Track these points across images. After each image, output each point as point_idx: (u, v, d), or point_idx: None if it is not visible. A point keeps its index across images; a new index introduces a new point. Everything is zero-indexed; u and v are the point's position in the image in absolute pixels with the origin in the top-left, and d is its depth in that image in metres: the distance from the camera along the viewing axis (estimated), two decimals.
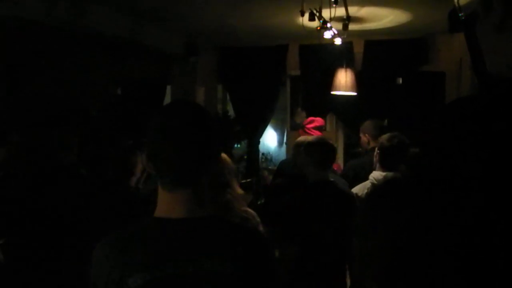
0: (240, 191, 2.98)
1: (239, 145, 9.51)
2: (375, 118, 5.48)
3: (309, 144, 3.83)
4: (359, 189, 4.05)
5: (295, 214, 3.58)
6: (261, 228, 2.97)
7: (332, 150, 3.81)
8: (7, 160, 4.34)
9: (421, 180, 1.00)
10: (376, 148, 4.18)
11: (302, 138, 4.85)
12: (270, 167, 9.03)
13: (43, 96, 5.87)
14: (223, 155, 3.01)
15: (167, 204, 1.59)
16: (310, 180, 3.71)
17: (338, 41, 5.99)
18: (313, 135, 5.24)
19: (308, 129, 5.50)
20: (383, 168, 4.04)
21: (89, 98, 6.90)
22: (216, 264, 1.52)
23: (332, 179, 3.81)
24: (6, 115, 5.31)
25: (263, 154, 9.18)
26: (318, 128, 5.57)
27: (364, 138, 5.36)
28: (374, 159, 4.18)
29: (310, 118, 5.78)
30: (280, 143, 10.25)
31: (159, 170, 1.58)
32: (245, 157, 8.40)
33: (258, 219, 2.99)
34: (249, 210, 3.00)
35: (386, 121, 6.36)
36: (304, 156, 3.77)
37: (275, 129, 10.03)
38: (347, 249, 3.43)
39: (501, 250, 0.91)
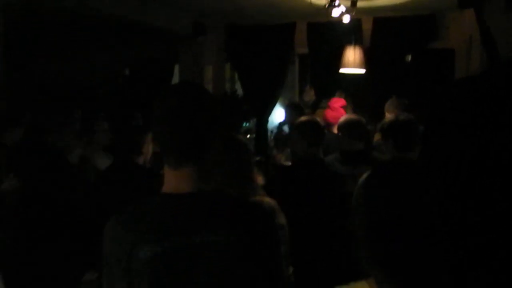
0: (260, 180, 2.92)
1: (248, 124, 9.51)
2: (388, 95, 5.51)
3: (300, 123, 3.90)
4: None
5: (276, 192, 3.55)
6: (279, 219, 2.80)
7: (322, 129, 3.92)
8: (21, 141, 4.37)
9: (430, 158, 1.00)
10: (378, 131, 4.05)
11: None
12: (279, 146, 9.03)
13: (52, 78, 5.89)
14: (243, 142, 2.96)
15: (173, 181, 1.66)
16: (299, 157, 3.77)
17: (346, 18, 5.95)
18: (341, 113, 5.39)
19: (335, 108, 5.62)
20: (398, 151, 3.74)
21: (98, 79, 6.91)
22: (222, 235, 1.59)
23: (321, 157, 3.87)
24: (18, 97, 5.34)
25: (271, 132, 9.17)
26: (343, 107, 5.73)
27: (388, 116, 5.36)
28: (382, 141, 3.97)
29: (335, 98, 5.95)
30: (288, 121, 10.23)
31: (163, 148, 1.65)
32: (253, 135, 8.41)
33: (275, 209, 2.82)
34: (267, 200, 2.93)
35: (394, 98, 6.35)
36: (296, 134, 3.83)
37: (284, 107, 10.00)
38: (332, 228, 3.42)
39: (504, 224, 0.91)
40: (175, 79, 7.89)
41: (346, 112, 5.99)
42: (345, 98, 7.23)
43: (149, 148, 4.01)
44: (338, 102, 5.78)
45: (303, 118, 4.07)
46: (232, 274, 1.61)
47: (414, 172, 1.43)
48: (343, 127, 4.34)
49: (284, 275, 2.10)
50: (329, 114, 5.60)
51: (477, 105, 0.97)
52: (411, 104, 4.89)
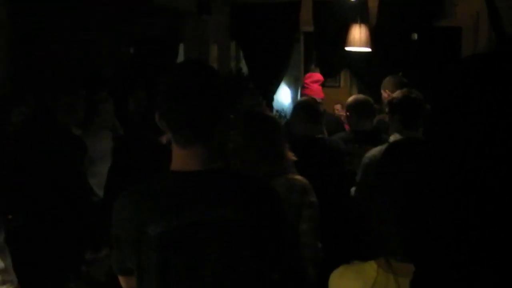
0: (292, 157, 2.85)
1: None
2: (393, 74, 5.43)
3: (299, 103, 3.94)
4: (378, 151, 3.92)
5: None
6: (310, 197, 2.79)
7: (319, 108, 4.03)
8: (24, 121, 4.38)
9: (437, 139, 1.00)
10: (386, 108, 3.94)
11: None
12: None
13: (57, 57, 5.87)
14: (274, 118, 2.95)
15: (182, 159, 1.66)
16: (298, 136, 3.77)
17: None
18: (313, 89, 5.20)
19: (307, 84, 5.36)
20: (404, 128, 3.65)
21: (102, 58, 6.89)
22: (230, 212, 1.62)
23: (321, 136, 3.88)
24: (21, 77, 5.33)
25: (277, 111, 9.16)
26: (316, 82, 5.44)
27: (385, 94, 5.30)
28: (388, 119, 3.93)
29: (309, 74, 5.68)
30: (294, 99, 10.21)
31: (172, 127, 1.65)
32: None
33: (307, 188, 2.80)
34: (299, 178, 2.82)
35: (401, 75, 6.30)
36: (295, 113, 3.85)
37: (289, 86, 9.97)
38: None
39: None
40: (180, 58, 7.85)
41: (351, 90, 5.93)
42: (350, 77, 7.18)
43: None
44: (310, 77, 5.47)
45: (301, 99, 4.09)
46: (240, 251, 1.63)
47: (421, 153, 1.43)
48: (351, 106, 4.33)
49: (289, 253, 2.12)
50: (303, 91, 5.31)
51: (484, 84, 0.96)
52: (414, 83, 4.81)
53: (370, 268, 1.44)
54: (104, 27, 6.79)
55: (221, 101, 1.68)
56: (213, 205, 1.62)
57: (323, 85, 7.39)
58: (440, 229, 0.94)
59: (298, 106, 4.02)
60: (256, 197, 1.68)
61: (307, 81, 5.38)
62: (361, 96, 4.47)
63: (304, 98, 4.19)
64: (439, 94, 1.02)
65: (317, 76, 5.49)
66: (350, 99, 4.45)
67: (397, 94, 3.76)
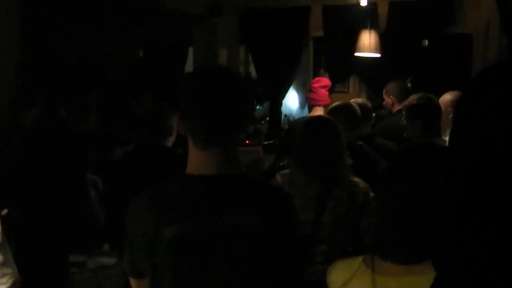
0: (348, 160, 2.95)
1: (261, 107, 9.50)
2: (402, 80, 5.40)
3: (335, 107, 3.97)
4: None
5: None
6: (371, 197, 2.87)
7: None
8: (33, 125, 4.40)
9: (457, 147, 0.99)
10: (404, 111, 3.82)
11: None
12: None
13: (68, 59, 5.89)
14: (334, 124, 3.02)
15: (199, 162, 1.66)
16: None
17: (363, 1, 5.89)
18: (320, 94, 5.14)
19: (315, 88, 5.31)
20: (425, 133, 3.58)
21: (111, 62, 6.90)
22: (245, 218, 1.62)
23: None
24: (34, 78, 5.36)
25: (285, 115, 9.16)
26: (324, 87, 5.39)
27: (388, 100, 5.28)
28: (405, 122, 3.81)
29: (317, 78, 5.64)
30: (302, 104, 10.19)
31: (193, 129, 1.65)
32: (267, 118, 8.39)
33: (368, 191, 2.90)
34: (360, 181, 2.92)
35: (409, 81, 6.28)
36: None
37: (298, 90, 9.97)
38: None
39: None
40: (189, 61, 7.87)
41: (359, 96, 5.89)
42: (359, 83, 7.15)
43: (175, 130, 4.04)
44: (319, 82, 5.44)
45: (337, 103, 4.06)
46: (254, 257, 1.64)
47: (440, 159, 1.43)
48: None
49: (303, 260, 2.13)
50: (308, 95, 5.29)
51: (500, 93, 0.95)
52: (424, 90, 4.79)
53: (356, 262, 1.50)
54: (114, 30, 6.81)
55: (243, 105, 1.69)
56: (228, 210, 1.62)
57: (331, 90, 7.36)
58: (462, 232, 0.94)
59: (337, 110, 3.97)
60: (271, 203, 1.69)
61: (315, 85, 5.32)
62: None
63: (341, 102, 4.13)
64: (462, 101, 1.02)
65: (326, 81, 5.45)
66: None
67: (416, 99, 3.67)
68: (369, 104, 4.57)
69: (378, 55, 6.68)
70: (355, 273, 1.46)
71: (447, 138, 3.88)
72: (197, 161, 1.67)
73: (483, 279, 0.89)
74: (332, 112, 3.94)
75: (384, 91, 5.36)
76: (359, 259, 1.51)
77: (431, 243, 1.35)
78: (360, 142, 3.81)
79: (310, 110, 5.22)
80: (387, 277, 1.42)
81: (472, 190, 0.92)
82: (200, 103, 1.63)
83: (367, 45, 6.63)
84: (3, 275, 2.62)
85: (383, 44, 6.65)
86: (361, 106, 4.23)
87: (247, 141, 6.80)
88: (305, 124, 3.13)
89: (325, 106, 4.83)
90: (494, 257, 0.89)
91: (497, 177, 0.90)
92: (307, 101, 5.33)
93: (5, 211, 2.93)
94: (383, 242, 1.46)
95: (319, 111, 4.91)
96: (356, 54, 6.72)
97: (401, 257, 1.41)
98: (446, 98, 4.09)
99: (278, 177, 3.02)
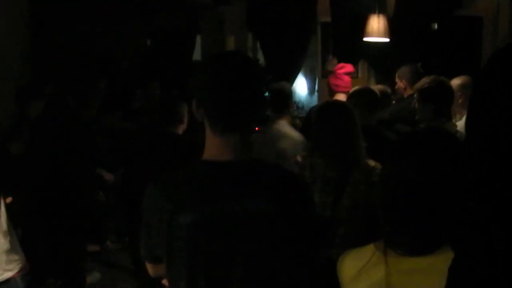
0: (363, 144, 3.01)
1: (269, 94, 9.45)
2: (408, 64, 5.35)
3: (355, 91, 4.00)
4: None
5: None
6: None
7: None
8: (42, 113, 4.41)
9: (472, 131, 0.98)
10: (416, 94, 3.73)
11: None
12: (301, 115, 9.00)
13: (76, 48, 5.90)
14: (350, 108, 3.06)
15: (216, 148, 1.67)
16: None
17: None
18: (344, 80, 5.17)
19: (340, 74, 5.34)
20: (435, 117, 3.54)
21: (120, 50, 6.91)
22: (261, 204, 1.62)
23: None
24: (43, 68, 5.37)
25: (294, 102, 9.13)
26: (348, 74, 5.41)
27: (401, 84, 5.24)
28: (416, 105, 3.73)
29: (341, 64, 5.64)
30: (311, 91, 10.16)
31: (210, 114, 1.66)
32: None
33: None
34: (374, 163, 2.98)
35: (419, 65, 6.24)
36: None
37: (306, 76, 9.93)
38: None
39: None
40: (197, 49, 7.85)
41: (354, 78, 5.81)
42: (368, 68, 7.11)
43: (186, 117, 4.05)
44: (343, 68, 5.45)
45: (356, 87, 4.08)
46: (271, 243, 1.64)
47: (446, 143, 1.42)
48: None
49: (319, 245, 2.15)
50: (332, 81, 5.32)
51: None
52: (433, 73, 4.76)
53: (368, 250, 1.48)
54: (122, 19, 6.81)
55: (259, 92, 1.71)
56: (245, 196, 1.63)
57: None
58: (482, 217, 0.93)
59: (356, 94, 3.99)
60: (288, 189, 1.69)
61: (340, 71, 5.34)
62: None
63: (361, 86, 4.13)
64: (479, 83, 1.01)
65: (350, 67, 5.47)
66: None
67: (428, 82, 3.60)
68: (389, 90, 4.56)
69: (387, 40, 6.63)
70: (369, 260, 1.44)
71: (457, 123, 3.85)
72: (214, 147, 1.67)
73: (503, 260, 0.89)
74: (352, 96, 3.96)
75: (396, 75, 5.33)
76: (370, 247, 1.49)
77: (438, 229, 1.35)
78: (377, 126, 3.81)
79: (332, 95, 5.24)
80: (401, 259, 1.40)
81: (494, 173, 0.91)
82: (217, 90, 1.63)
83: (376, 30, 6.57)
84: (10, 262, 2.65)
85: (392, 29, 6.60)
86: (381, 91, 4.25)
87: (257, 128, 6.79)
88: (320, 109, 3.19)
89: (346, 93, 4.82)
90: None
91: None
92: (330, 86, 5.34)
93: (9, 199, 2.95)
94: (389, 233, 1.43)
95: (341, 97, 4.88)
96: (365, 39, 6.67)
97: (410, 248, 1.38)
98: (455, 82, 4.07)
99: (299, 158, 3.10)
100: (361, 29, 6.64)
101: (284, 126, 4.27)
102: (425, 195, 1.36)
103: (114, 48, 6.74)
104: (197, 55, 7.99)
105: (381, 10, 6.68)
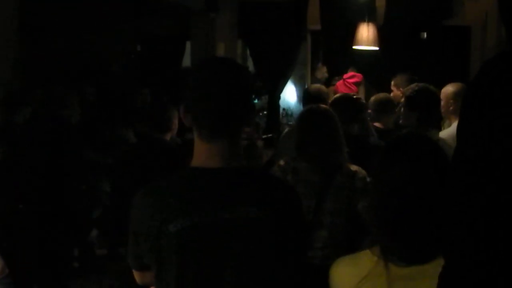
0: (345, 148, 3.03)
1: (258, 100, 9.47)
2: (403, 72, 5.41)
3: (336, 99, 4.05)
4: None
5: None
6: (368, 182, 2.93)
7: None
8: (29, 119, 4.38)
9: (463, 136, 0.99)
10: (403, 99, 3.76)
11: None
12: (290, 123, 9.01)
13: (65, 54, 5.88)
14: (333, 114, 3.09)
15: (204, 155, 1.65)
16: None
17: None
18: (351, 89, 5.23)
19: (349, 83, 5.39)
20: (421, 123, 3.51)
21: (110, 55, 6.89)
22: (251, 211, 1.60)
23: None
24: (29, 75, 5.34)
25: (283, 109, 9.14)
26: (356, 84, 5.47)
27: (397, 92, 5.26)
28: (402, 110, 3.76)
29: (351, 73, 5.69)
30: (300, 98, 10.20)
31: (198, 121, 1.64)
32: (264, 112, 8.39)
33: (366, 177, 2.96)
34: (356, 167, 3.00)
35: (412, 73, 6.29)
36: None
37: (296, 84, 9.95)
38: None
39: None
40: (187, 55, 7.85)
41: (358, 89, 5.87)
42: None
43: (176, 124, 4.04)
44: (353, 78, 5.52)
45: (338, 95, 4.10)
46: (261, 250, 1.62)
47: (432, 149, 1.43)
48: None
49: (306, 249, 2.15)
50: (341, 88, 5.39)
51: (504, 82, 0.95)
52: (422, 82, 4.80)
53: (365, 256, 1.47)
54: (112, 24, 6.79)
55: (248, 98, 1.69)
56: (235, 203, 1.61)
57: (329, 83, 7.38)
58: (470, 223, 0.94)
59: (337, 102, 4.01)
60: (277, 195, 1.68)
61: (350, 80, 5.41)
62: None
63: (342, 94, 4.16)
64: (469, 90, 1.02)
65: (359, 77, 5.53)
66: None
67: (416, 90, 3.62)
68: (392, 98, 4.61)
69: (377, 48, 6.66)
70: (371, 269, 1.42)
71: (445, 130, 3.88)
72: (202, 154, 1.65)
73: (493, 266, 0.89)
74: (332, 104, 3.97)
75: (392, 83, 5.37)
76: (367, 254, 1.47)
77: (429, 237, 1.35)
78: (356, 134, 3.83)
79: None
80: (402, 267, 1.39)
81: (484, 177, 0.91)
82: (205, 95, 1.62)
83: (365, 38, 6.61)
84: None
85: (381, 37, 6.63)
86: (386, 99, 4.30)
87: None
88: (304, 113, 3.21)
89: None
90: (506, 244, 0.89)
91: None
92: (337, 92, 5.39)
93: None
94: (385, 241, 1.42)
95: None
96: (354, 47, 6.70)
97: (409, 256, 1.38)
98: (448, 89, 4.08)
99: (281, 162, 3.08)
100: (351, 37, 6.68)
101: None
102: (419, 200, 1.36)
103: (104, 53, 6.72)
104: (186, 61, 7.99)
105: (371, 19, 6.72)
